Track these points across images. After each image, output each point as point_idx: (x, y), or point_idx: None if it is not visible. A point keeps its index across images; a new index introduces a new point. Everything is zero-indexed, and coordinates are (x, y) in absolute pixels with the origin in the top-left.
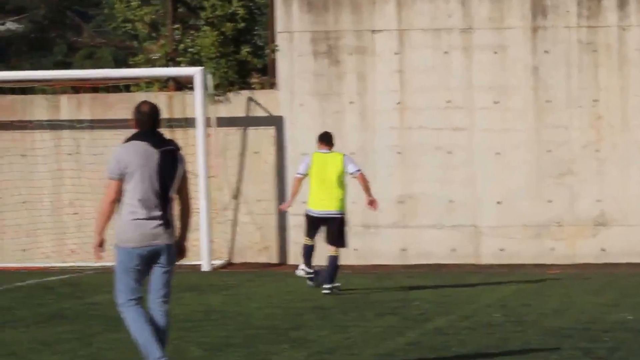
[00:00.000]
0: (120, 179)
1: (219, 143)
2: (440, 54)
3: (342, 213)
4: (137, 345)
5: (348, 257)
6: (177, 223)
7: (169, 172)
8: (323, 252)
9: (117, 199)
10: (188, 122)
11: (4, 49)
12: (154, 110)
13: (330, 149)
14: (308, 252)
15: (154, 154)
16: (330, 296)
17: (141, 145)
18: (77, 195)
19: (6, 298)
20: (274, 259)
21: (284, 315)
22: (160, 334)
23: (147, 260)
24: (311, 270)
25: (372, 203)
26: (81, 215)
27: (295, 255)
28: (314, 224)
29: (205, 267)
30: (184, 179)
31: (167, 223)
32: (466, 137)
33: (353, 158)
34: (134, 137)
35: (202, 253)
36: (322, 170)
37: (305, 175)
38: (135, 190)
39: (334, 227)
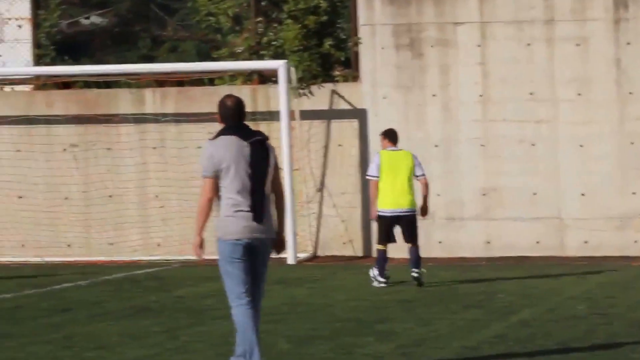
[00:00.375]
0: (216, 176)
1: (303, 136)
2: (523, 46)
3: (415, 210)
4: (238, 344)
5: (432, 249)
6: (273, 215)
7: (262, 163)
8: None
9: (214, 196)
10: (272, 115)
11: (88, 43)
12: (239, 103)
13: (396, 146)
14: (383, 259)
15: (244, 147)
16: (415, 289)
17: (231, 139)
18: (163, 188)
19: (94, 291)
20: (358, 251)
21: (369, 307)
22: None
23: (249, 252)
24: (384, 280)
25: (424, 211)
26: (167, 208)
27: None
28: (388, 225)
29: (291, 260)
30: (276, 169)
31: (265, 215)
32: (549, 129)
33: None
34: (222, 132)
35: (287, 246)
36: (393, 168)
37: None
38: (233, 185)
39: (408, 225)
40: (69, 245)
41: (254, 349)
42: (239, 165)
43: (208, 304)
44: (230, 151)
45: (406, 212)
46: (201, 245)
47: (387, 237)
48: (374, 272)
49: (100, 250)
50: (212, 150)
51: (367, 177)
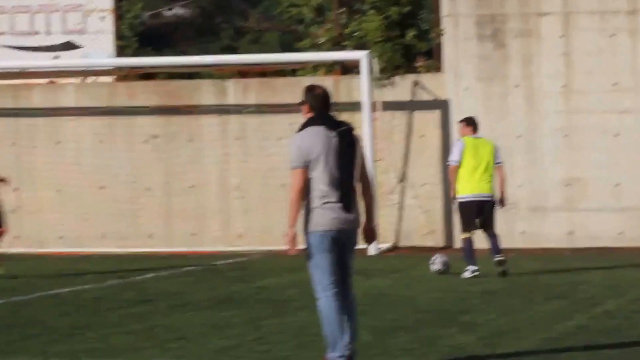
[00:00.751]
0: (306, 167)
1: (385, 127)
2: (606, 36)
3: (494, 196)
4: (326, 336)
5: (515, 240)
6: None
7: (350, 153)
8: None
9: (305, 187)
10: (354, 106)
11: (171, 35)
12: (325, 93)
13: (477, 133)
14: (471, 247)
15: (332, 137)
16: (497, 280)
17: (319, 130)
18: (244, 179)
19: (176, 282)
20: (440, 242)
21: (451, 299)
22: (350, 322)
23: (337, 243)
24: (477, 267)
25: (502, 202)
26: (248, 199)
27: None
28: (471, 210)
29: (372, 251)
30: (363, 159)
31: (353, 206)
32: (633, 119)
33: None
34: (310, 123)
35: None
36: (476, 155)
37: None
38: (322, 176)
39: (488, 211)
40: (150, 236)
41: (337, 340)
42: (328, 156)
43: (289, 295)
44: (319, 142)
45: (487, 197)
46: (293, 236)
47: (471, 224)
48: (434, 267)
49: (182, 240)
50: (301, 141)
51: (449, 162)
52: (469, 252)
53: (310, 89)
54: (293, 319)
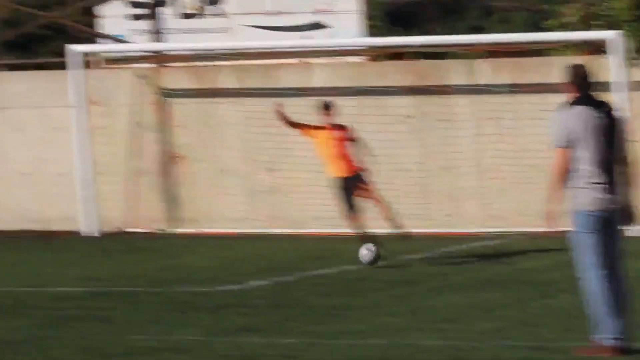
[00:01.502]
0: (569, 146)
1: (638, 107)
2: None
3: None
4: (592, 317)
5: None
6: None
7: (612, 134)
8: None
9: (568, 166)
10: (603, 86)
11: (417, 14)
12: (588, 72)
13: None
14: None
15: (597, 117)
16: None
17: (583, 110)
18: (498, 160)
19: (435, 263)
20: None
21: None
22: (621, 307)
23: (603, 224)
24: None
25: None
26: (503, 180)
27: None
28: None
29: (634, 233)
30: (624, 139)
31: (616, 187)
32: None
33: None
34: (575, 102)
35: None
36: None
37: None
38: (587, 156)
39: None
40: (406, 217)
41: (603, 322)
42: (592, 136)
43: (552, 277)
44: (583, 122)
45: None
46: (552, 215)
47: None
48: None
49: (437, 222)
50: (565, 120)
51: None
52: None
53: (574, 69)
54: (557, 301)
